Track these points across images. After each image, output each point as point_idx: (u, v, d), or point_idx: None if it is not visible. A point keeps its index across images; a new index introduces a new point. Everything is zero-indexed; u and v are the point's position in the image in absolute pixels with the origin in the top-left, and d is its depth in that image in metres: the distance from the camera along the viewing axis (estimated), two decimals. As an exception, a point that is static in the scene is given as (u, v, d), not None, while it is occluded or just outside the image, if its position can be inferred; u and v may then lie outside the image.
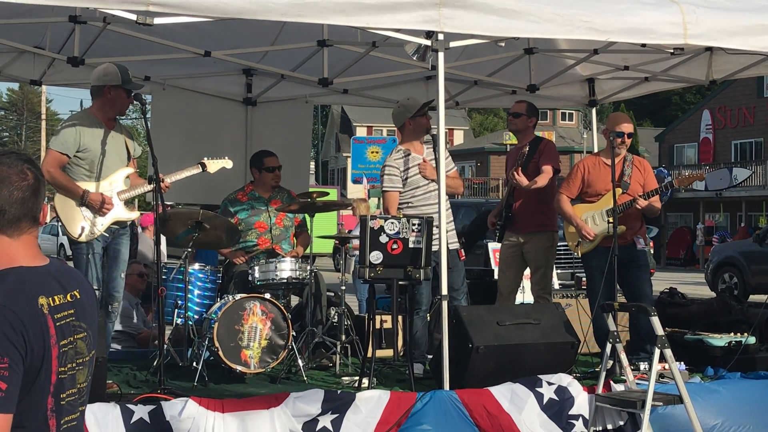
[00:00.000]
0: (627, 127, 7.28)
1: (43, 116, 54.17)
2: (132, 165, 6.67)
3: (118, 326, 7.87)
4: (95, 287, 6.26)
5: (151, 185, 6.21)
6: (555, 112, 55.25)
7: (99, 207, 6.33)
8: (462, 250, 7.28)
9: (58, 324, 2.45)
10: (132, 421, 5.14)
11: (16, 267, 2.47)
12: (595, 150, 8.93)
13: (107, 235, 6.48)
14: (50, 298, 2.46)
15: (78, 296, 2.57)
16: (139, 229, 10.84)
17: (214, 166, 6.83)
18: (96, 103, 6.58)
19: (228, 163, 6.92)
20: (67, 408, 2.51)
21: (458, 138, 63.76)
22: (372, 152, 31.35)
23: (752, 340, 7.08)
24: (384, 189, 7.32)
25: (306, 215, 7.65)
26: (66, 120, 6.97)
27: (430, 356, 7.00)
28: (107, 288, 6.49)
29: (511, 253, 7.85)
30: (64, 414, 2.50)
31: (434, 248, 6.37)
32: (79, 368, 2.55)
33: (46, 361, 2.41)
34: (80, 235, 6.33)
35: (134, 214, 6.71)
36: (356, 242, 7.97)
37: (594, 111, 10.02)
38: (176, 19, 5.92)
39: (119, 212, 6.49)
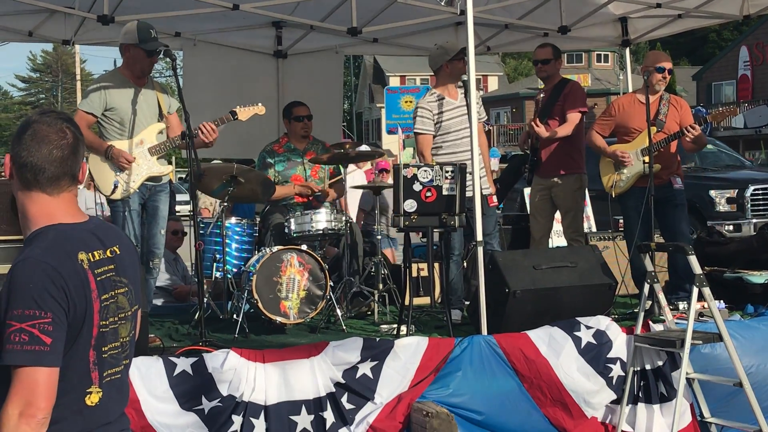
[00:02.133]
0: (667, 63, 7.21)
1: (78, 77, 54.35)
2: (167, 120, 6.67)
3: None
4: (134, 244, 6.32)
5: (184, 139, 6.22)
6: (590, 54, 54.59)
7: (118, 160, 6.37)
8: (493, 196, 7.26)
9: (98, 279, 2.49)
10: (175, 374, 5.21)
11: (55, 224, 2.51)
12: (630, 91, 8.83)
13: (143, 191, 6.53)
14: (90, 254, 2.50)
15: (118, 252, 2.61)
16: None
17: (245, 113, 6.75)
18: (123, 61, 6.62)
19: (260, 110, 6.82)
20: (109, 361, 2.56)
21: (492, 84, 63.25)
22: (406, 102, 31.15)
23: (792, 276, 7.03)
24: (416, 131, 7.29)
25: (340, 165, 7.68)
26: (95, 80, 7.00)
27: (467, 302, 7.03)
28: (147, 244, 6.54)
29: (541, 197, 7.82)
30: (106, 367, 2.55)
31: (467, 194, 6.36)
32: (121, 323, 2.60)
33: (88, 316, 2.45)
34: (113, 192, 6.38)
35: (167, 168, 6.71)
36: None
37: (628, 51, 9.88)
38: (203, -27, 5.92)
39: (152, 167, 6.53)
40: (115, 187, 6.38)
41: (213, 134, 6.50)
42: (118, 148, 6.38)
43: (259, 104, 6.84)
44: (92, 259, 2.50)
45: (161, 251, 6.69)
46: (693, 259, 5.79)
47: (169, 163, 6.90)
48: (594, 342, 5.95)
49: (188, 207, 6.65)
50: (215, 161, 10.16)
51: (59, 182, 2.55)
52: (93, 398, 2.51)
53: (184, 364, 5.26)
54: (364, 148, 8.71)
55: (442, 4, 6.41)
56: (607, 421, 5.96)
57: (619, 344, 6.00)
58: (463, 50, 7.13)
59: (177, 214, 11.55)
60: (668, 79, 7.23)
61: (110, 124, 6.47)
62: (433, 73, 7.41)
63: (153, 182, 6.57)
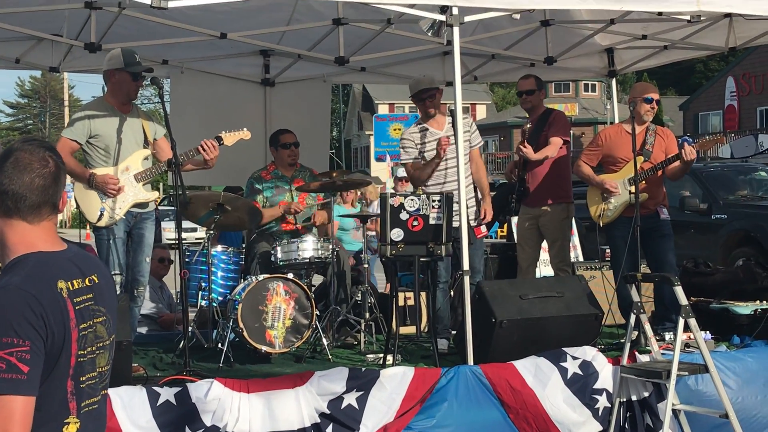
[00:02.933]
0: (655, 94, 7.27)
1: (66, 103, 54.39)
2: (155, 146, 6.66)
3: (140, 310, 7.94)
4: (118, 272, 6.30)
5: (170, 167, 6.21)
6: (577, 84, 54.92)
7: (105, 187, 6.35)
8: (482, 227, 7.26)
9: (77, 308, 2.47)
10: (158, 404, 5.18)
11: (35, 252, 2.49)
12: (616, 121, 8.88)
13: (128, 219, 6.51)
14: (69, 282, 2.48)
15: (96, 281, 2.59)
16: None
17: (231, 138, 6.74)
18: (108, 89, 6.64)
19: (246, 135, 6.81)
20: (87, 391, 2.53)
21: (481, 112, 63.48)
22: (394, 129, 31.26)
23: (778, 307, 7.04)
24: (402, 162, 7.43)
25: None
26: (80, 108, 7.00)
27: (454, 332, 7.01)
28: (132, 272, 6.52)
29: (528, 227, 7.84)
30: (84, 397, 2.52)
31: (455, 224, 6.37)
32: (99, 352, 2.58)
33: (66, 345, 2.43)
34: (99, 220, 6.37)
35: (153, 194, 6.70)
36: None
37: (614, 81, 9.94)
38: (191, 2, 5.93)
39: (138, 194, 6.52)
40: (101, 214, 6.36)
41: (214, 151, 6.49)
42: (101, 175, 6.37)
43: (245, 129, 6.84)
44: (71, 288, 2.48)
45: (146, 279, 6.66)
46: (679, 290, 5.80)
47: (156, 189, 6.87)
48: (580, 373, 5.94)
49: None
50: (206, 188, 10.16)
51: (40, 210, 2.54)
52: (71, 429, 2.48)
53: (167, 393, 5.23)
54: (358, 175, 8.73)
55: (429, 34, 6.42)
56: (594, 453, 5.94)
57: (606, 375, 5.99)
58: (422, 91, 7.18)
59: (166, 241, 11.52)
60: (656, 109, 7.29)
61: (95, 151, 6.46)
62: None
63: (139, 209, 6.55)
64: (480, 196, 7.32)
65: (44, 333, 2.36)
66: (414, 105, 7.63)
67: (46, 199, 2.54)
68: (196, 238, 16.60)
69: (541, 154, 7.61)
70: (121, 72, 6.46)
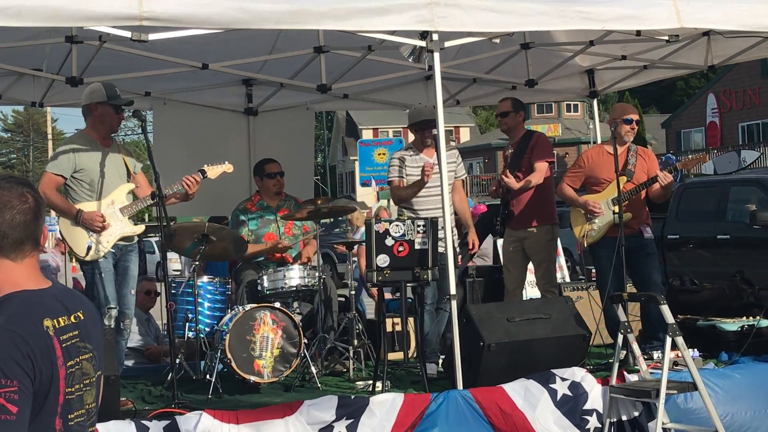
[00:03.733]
0: (634, 115, 7.31)
1: (50, 136, 54.26)
2: (134, 180, 6.68)
3: (128, 343, 7.90)
4: (113, 306, 6.30)
5: (154, 200, 6.22)
6: (560, 104, 55.14)
7: (92, 224, 6.35)
8: (459, 255, 7.31)
9: (64, 345, 2.47)
10: (148, 437, 5.15)
11: (19, 291, 2.49)
12: (599, 141, 8.93)
13: (115, 251, 6.50)
14: (55, 320, 2.47)
15: (82, 317, 2.58)
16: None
17: (214, 171, 6.80)
18: (89, 123, 6.62)
19: (228, 168, 6.87)
20: (75, 428, 2.52)
21: (464, 135, 63.67)
22: (379, 154, 31.29)
23: (765, 323, 7.07)
24: (388, 180, 7.56)
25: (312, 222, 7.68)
26: (62, 142, 7.00)
27: (443, 356, 7.00)
28: (118, 305, 6.50)
29: (513, 249, 7.86)
30: None
31: (440, 249, 6.39)
32: (86, 389, 2.57)
33: (54, 383, 2.42)
34: (87, 255, 6.36)
35: (139, 229, 6.70)
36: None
37: (596, 102, 10.00)
38: (171, 33, 5.95)
39: (124, 228, 6.52)
40: (89, 248, 6.35)
41: (196, 185, 6.55)
42: (88, 212, 6.36)
43: (227, 162, 6.87)
44: (57, 326, 2.47)
45: (132, 311, 6.65)
46: (665, 309, 5.82)
47: (141, 220, 6.88)
48: (570, 394, 5.93)
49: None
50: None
51: (22, 247, 2.53)
52: None
53: (156, 427, 5.20)
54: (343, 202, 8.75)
55: (410, 60, 6.45)
56: (586, 474, 5.93)
57: (595, 395, 5.99)
58: (423, 121, 7.28)
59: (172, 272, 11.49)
60: (636, 130, 7.33)
61: (80, 186, 6.45)
62: (407, 126, 7.56)
63: (124, 242, 6.55)
64: (465, 227, 7.41)
65: (32, 372, 2.36)
66: (397, 129, 7.70)
67: (28, 235, 2.54)
68: (174, 270, 16.44)
69: (526, 183, 7.64)
70: (104, 105, 6.48)
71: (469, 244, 7.49)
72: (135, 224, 6.68)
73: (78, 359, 2.52)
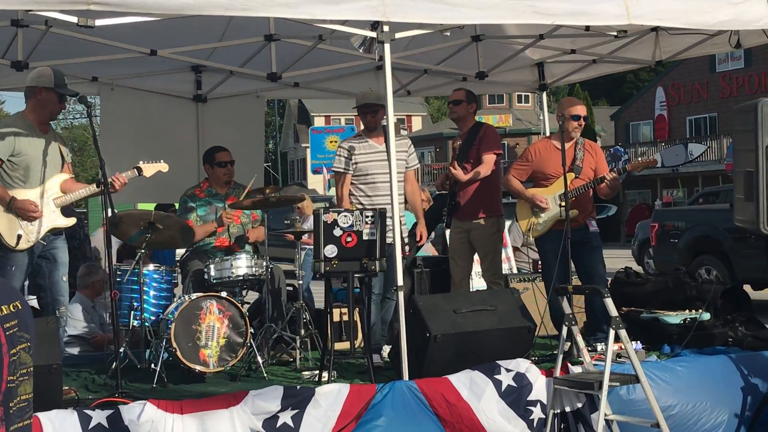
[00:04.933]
0: (582, 110, 7.36)
1: (-4, 119, 53.47)
2: (66, 170, 6.58)
3: (72, 330, 7.82)
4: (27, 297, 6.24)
5: (99, 188, 6.15)
6: (511, 95, 55.47)
7: (25, 213, 6.26)
8: (406, 247, 7.32)
9: (7, 333, 2.46)
10: (90, 427, 5.10)
11: None
12: (548, 133, 9.00)
13: (44, 242, 6.40)
14: None
15: (20, 307, 2.58)
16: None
17: (150, 170, 6.75)
18: (29, 105, 6.50)
19: (164, 167, 6.81)
20: (16, 416, 2.52)
21: (417, 124, 63.85)
22: (331, 142, 31.33)
23: (707, 316, 7.17)
24: (333, 169, 7.53)
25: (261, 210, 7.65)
26: (1, 124, 6.88)
27: (390, 346, 7.02)
28: (51, 293, 6.44)
29: (459, 240, 7.91)
30: (14, 421, 2.51)
31: (388, 240, 6.40)
32: (24, 378, 2.56)
33: None
34: (17, 244, 6.26)
35: (70, 221, 6.61)
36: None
37: (545, 94, 10.07)
38: (119, 19, 5.86)
39: (56, 219, 6.42)
40: (20, 237, 6.25)
41: (122, 185, 6.50)
42: (21, 200, 6.26)
43: (162, 161, 6.81)
44: (0, 314, 2.47)
45: (65, 298, 6.59)
46: (609, 302, 5.88)
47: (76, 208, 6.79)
48: (514, 385, 5.98)
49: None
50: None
51: None
52: None
53: (99, 416, 5.16)
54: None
55: (361, 51, 6.45)
56: (529, 464, 5.98)
57: (539, 386, 6.05)
58: (365, 105, 7.27)
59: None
60: (583, 125, 7.39)
61: (14, 170, 6.33)
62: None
63: (53, 234, 6.47)
64: (415, 218, 7.43)
65: None
66: (350, 117, 7.70)
67: None
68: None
69: (474, 174, 7.68)
70: (49, 91, 6.38)
71: (417, 235, 7.51)
72: (66, 216, 6.58)
73: (18, 348, 2.51)
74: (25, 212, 6.24)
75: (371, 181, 7.26)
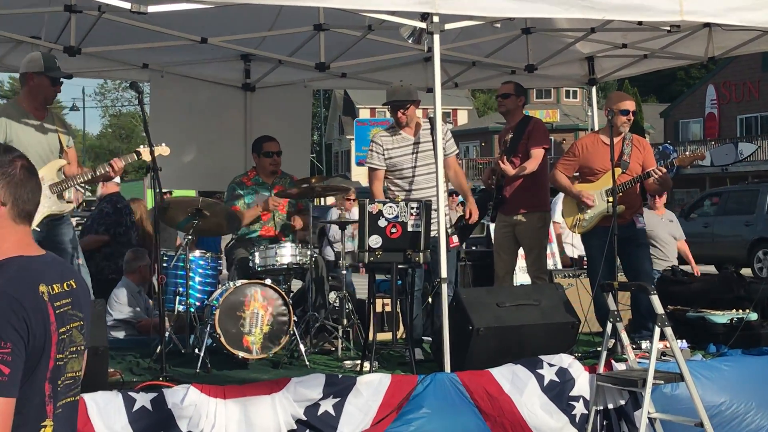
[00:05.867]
0: (631, 105, 7.28)
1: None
2: (66, 156, 6.53)
3: (118, 315, 7.90)
4: None
5: (104, 173, 6.15)
6: (558, 90, 55.13)
7: None
8: (454, 237, 7.27)
9: (57, 312, 2.51)
10: (134, 409, 5.16)
11: (17, 256, 2.53)
12: (596, 129, 8.92)
13: (39, 229, 6.21)
14: (50, 287, 2.53)
15: (74, 286, 2.64)
16: None
17: (148, 153, 6.70)
18: (23, 92, 6.50)
19: (164, 150, 6.61)
20: (63, 393, 2.57)
21: (462, 118, 63.66)
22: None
23: (754, 316, 7.08)
24: (366, 164, 7.43)
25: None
26: None
27: (430, 338, 7.02)
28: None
29: (504, 234, 7.87)
30: (59, 399, 2.56)
31: (432, 233, 6.39)
32: (73, 356, 2.61)
33: (47, 348, 2.47)
34: None
35: (68, 207, 6.56)
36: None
37: (594, 89, 9.98)
38: (171, 6, 5.91)
39: (52, 205, 6.37)
40: None
41: (119, 171, 6.48)
42: None
43: (163, 144, 6.61)
44: (52, 292, 2.53)
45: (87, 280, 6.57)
46: (655, 299, 5.83)
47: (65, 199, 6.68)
48: (557, 379, 5.95)
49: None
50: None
51: (30, 217, 2.63)
52: (47, 431, 2.51)
53: (143, 399, 5.21)
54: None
55: (410, 41, 6.43)
56: (571, 459, 5.96)
57: (582, 382, 6.01)
58: (395, 101, 7.20)
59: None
60: (632, 120, 7.31)
61: None
62: None
63: (52, 220, 6.42)
64: (463, 198, 7.36)
65: (26, 336, 2.40)
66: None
67: (34, 208, 2.63)
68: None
69: (521, 169, 7.63)
70: (41, 76, 6.35)
71: (466, 213, 7.40)
72: (63, 202, 6.51)
73: (69, 326, 2.57)
74: None
75: (407, 175, 7.20)
